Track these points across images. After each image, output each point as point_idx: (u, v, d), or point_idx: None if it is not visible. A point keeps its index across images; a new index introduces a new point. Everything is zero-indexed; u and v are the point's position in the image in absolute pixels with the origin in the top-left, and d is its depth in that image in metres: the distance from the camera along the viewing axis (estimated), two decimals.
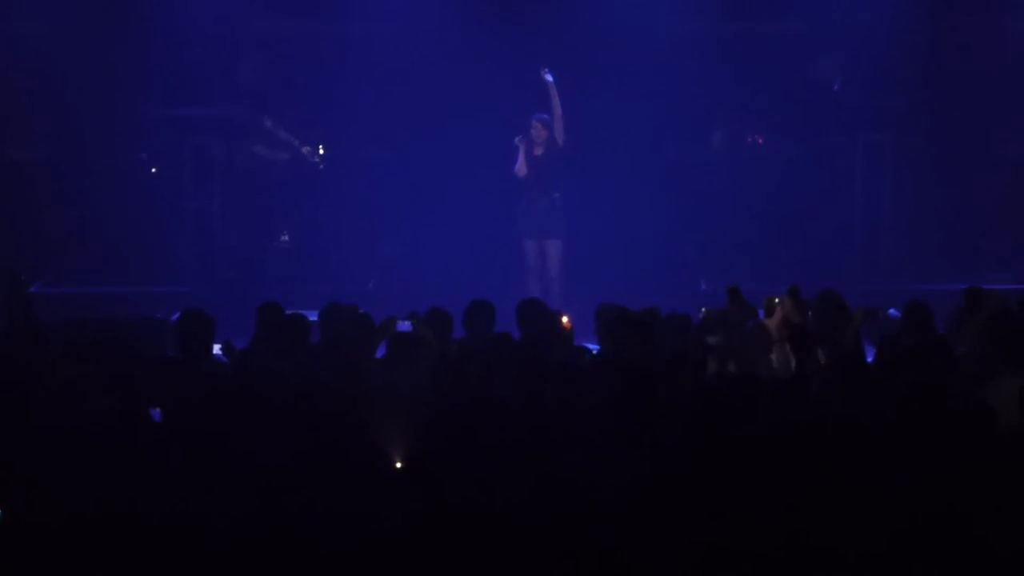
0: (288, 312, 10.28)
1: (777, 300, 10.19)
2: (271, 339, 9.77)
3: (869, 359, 9.66)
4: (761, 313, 10.54)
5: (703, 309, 11.18)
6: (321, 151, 16.69)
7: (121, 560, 6.18)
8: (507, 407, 7.74)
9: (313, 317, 10.29)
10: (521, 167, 15.10)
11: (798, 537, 6.11)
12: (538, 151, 15.09)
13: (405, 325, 10.05)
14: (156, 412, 8.19)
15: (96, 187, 16.27)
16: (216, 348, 9.87)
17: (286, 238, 16.67)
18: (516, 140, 15.13)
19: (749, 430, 7.43)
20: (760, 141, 16.87)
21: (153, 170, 16.61)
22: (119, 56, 16.18)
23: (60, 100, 16.31)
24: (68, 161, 16.51)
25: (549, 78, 15.03)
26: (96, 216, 16.16)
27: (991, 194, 16.51)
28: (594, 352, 9.97)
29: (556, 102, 15.04)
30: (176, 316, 11.90)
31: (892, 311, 11.42)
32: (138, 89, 16.26)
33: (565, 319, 10.62)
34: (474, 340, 9.93)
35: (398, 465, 7.21)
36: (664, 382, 8.74)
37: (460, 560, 6.05)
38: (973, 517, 6.23)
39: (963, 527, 6.17)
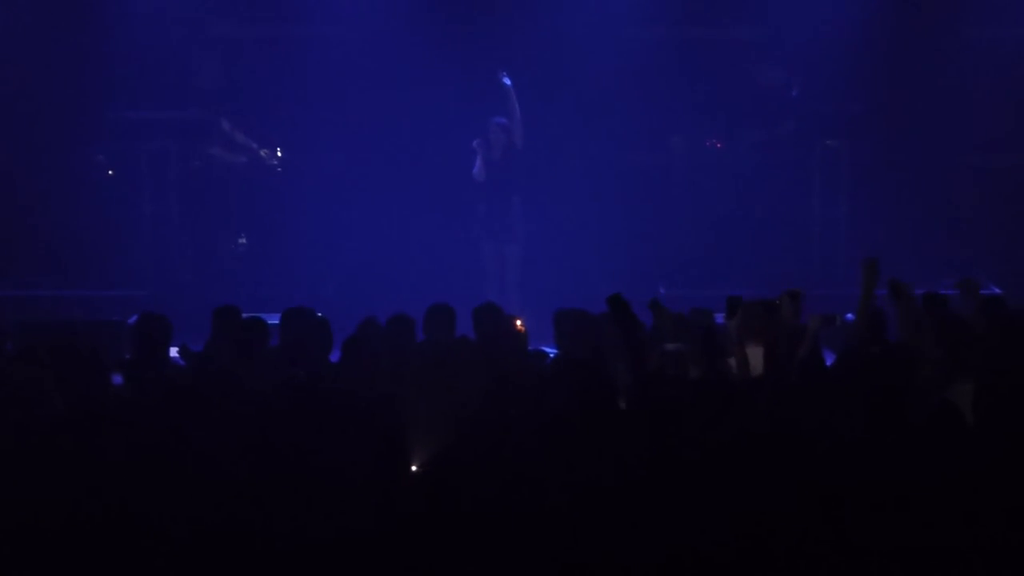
0: (246, 315, 10.24)
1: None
2: (228, 342, 9.72)
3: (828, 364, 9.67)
4: (719, 316, 10.54)
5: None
6: (279, 154, 16.64)
7: (73, 562, 6.13)
8: (468, 410, 7.73)
9: (271, 320, 10.24)
10: (479, 171, 15.08)
11: (760, 543, 6.10)
12: (496, 155, 15.08)
13: None
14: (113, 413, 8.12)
15: (52, 189, 16.19)
16: (173, 351, 9.83)
17: (243, 241, 16.62)
18: (474, 144, 15.11)
19: (711, 434, 7.45)
20: (719, 145, 16.91)
21: (110, 172, 16.53)
22: (77, 59, 16.13)
23: (16, 102, 16.22)
24: (24, 163, 16.41)
25: (507, 82, 15.02)
26: (52, 219, 16.08)
27: (948, 200, 16.59)
28: (551, 356, 9.96)
29: (514, 106, 15.03)
30: (133, 319, 11.83)
31: (849, 316, 11.45)
32: (96, 91, 16.20)
33: (519, 323, 10.63)
34: (434, 344, 9.91)
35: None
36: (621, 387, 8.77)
37: (419, 564, 6.02)
38: (940, 520, 6.26)
39: (929, 532, 6.19)
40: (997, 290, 14.97)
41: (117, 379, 8.97)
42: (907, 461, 6.83)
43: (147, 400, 8.02)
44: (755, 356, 9.54)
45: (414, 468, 7.21)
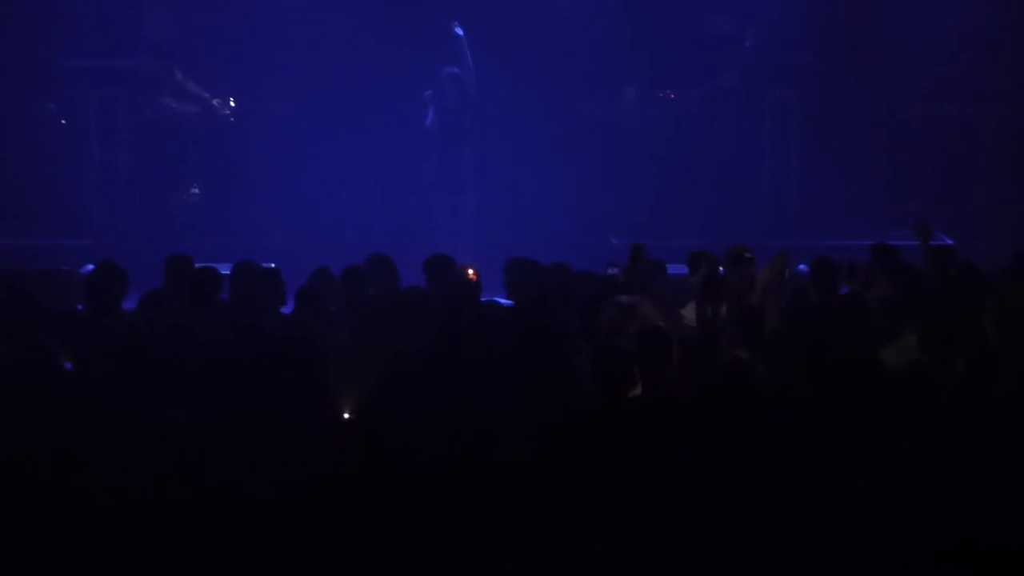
0: (198, 265, 10.22)
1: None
2: (180, 291, 9.70)
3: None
4: (675, 269, 10.61)
5: (611, 266, 11.24)
6: (231, 103, 16.56)
7: (27, 510, 6.13)
8: (422, 358, 7.76)
9: (224, 271, 10.22)
10: (432, 122, 15.07)
11: (702, 495, 6.15)
12: (448, 105, 15.07)
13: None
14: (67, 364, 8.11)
15: (2, 139, 16.07)
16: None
17: (196, 191, 16.55)
18: (426, 94, 15.10)
19: (659, 386, 7.51)
20: (671, 96, 16.92)
21: (63, 122, 16.42)
22: (25, 6, 15.98)
23: None
24: None
25: (459, 32, 15.01)
26: (2, 168, 15.97)
27: (897, 151, 16.66)
28: (503, 305, 9.99)
29: (466, 56, 15.01)
30: (86, 268, 11.78)
31: (802, 267, 11.52)
32: (46, 40, 16.06)
33: (471, 271, 10.64)
34: (385, 294, 9.93)
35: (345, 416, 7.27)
36: (574, 338, 8.82)
37: (380, 511, 6.05)
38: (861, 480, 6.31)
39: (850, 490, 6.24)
40: (948, 240, 15.06)
41: (69, 329, 8.94)
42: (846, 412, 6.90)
43: (98, 350, 8.01)
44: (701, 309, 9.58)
45: (346, 415, 7.28)
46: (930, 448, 6.53)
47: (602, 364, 7.36)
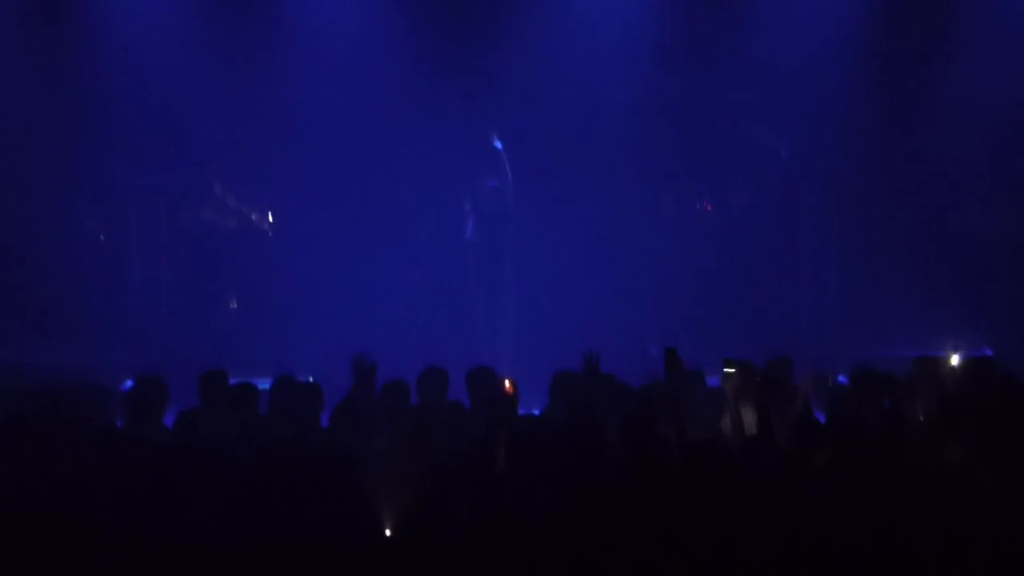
0: (235, 380, 10.21)
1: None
2: (218, 408, 9.69)
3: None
4: (711, 379, 10.54)
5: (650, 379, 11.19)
6: (270, 218, 16.63)
7: None
8: (464, 472, 7.73)
9: (262, 385, 10.21)
10: (472, 233, 15.14)
11: None
12: (488, 217, 15.14)
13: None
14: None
15: (42, 254, 16.15)
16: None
17: (234, 305, 16.57)
18: (466, 206, 15.18)
19: (705, 494, 7.43)
20: (709, 207, 16.93)
21: (102, 237, 16.50)
22: (69, 122, 16.11)
23: (5, 165, 16.21)
24: (12, 227, 16.37)
25: (499, 146, 15.10)
26: (42, 283, 16.03)
27: (938, 261, 16.60)
28: (537, 417, 9.97)
29: (506, 168, 15.09)
30: (126, 384, 11.78)
31: (841, 378, 11.45)
32: (85, 154, 16.18)
33: (508, 384, 10.62)
34: (427, 407, 9.91)
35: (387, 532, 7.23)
36: (612, 447, 8.76)
37: None
38: None
39: None
40: (988, 352, 14.96)
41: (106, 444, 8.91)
42: (896, 523, 6.83)
43: (136, 466, 7.98)
44: (750, 417, 9.55)
45: (388, 532, 7.23)
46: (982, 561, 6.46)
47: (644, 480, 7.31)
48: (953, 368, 10.85)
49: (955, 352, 11.12)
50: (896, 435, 8.75)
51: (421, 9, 16.18)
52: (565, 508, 7.24)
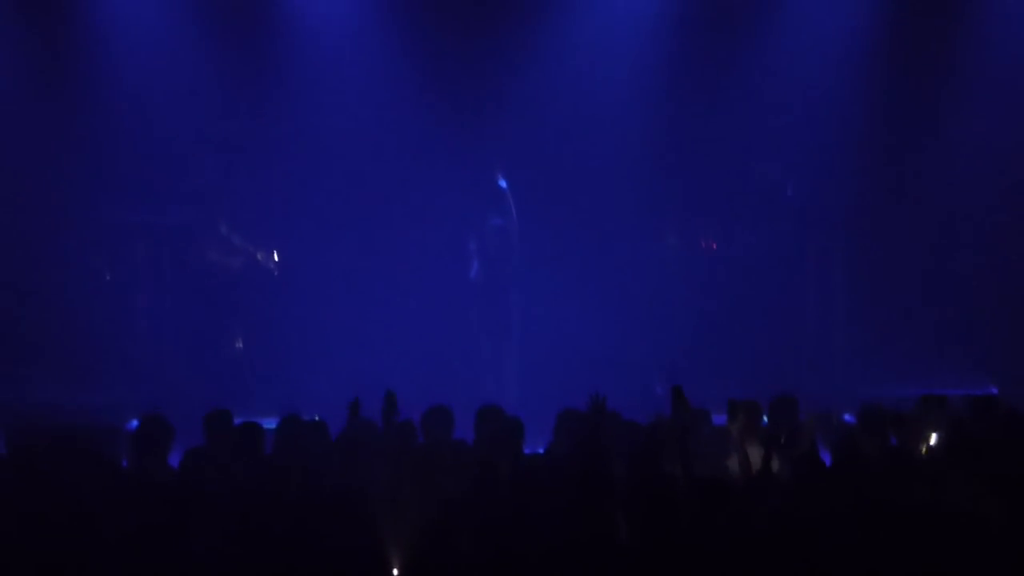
0: (241, 420, 10.22)
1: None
2: (223, 448, 9.69)
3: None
4: (717, 418, 10.55)
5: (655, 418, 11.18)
6: (275, 257, 16.64)
7: None
8: (469, 510, 7.72)
9: (267, 424, 10.21)
10: (477, 273, 15.16)
11: None
12: (493, 255, 15.16)
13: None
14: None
15: (49, 291, 16.16)
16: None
17: (240, 344, 16.57)
18: (471, 245, 15.20)
19: (709, 533, 7.43)
20: (714, 245, 16.94)
21: (107, 277, 16.52)
22: (74, 160, 16.16)
23: (11, 206, 16.25)
24: (19, 266, 16.40)
25: (503, 183, 15.12)
26: (48, 322, 16.04)
27: (943, 299, 16.60)
28: (542, 455, 9.98)
29: (510, 207, 15.12)
30: (132, 423, 11.79)
31: (846, 416, 11.45)
32: (91, 194, 16.21)
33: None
34: (433, 446, 9.92)
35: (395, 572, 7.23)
36: (619, 485, 8.75)
37: None
38: None
39: None
40: (993, 390, 14.96)
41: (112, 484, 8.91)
42: (901, 561, 6.83)
43: (143, 505, 7.98)
44: (756, 457, 9.56)
45: (395, 572, 7.23)
46: None
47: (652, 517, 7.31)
48: (958, 406, 10.85)
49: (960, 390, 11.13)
50: (902, 473, 8.75)
51: (425, 44, 16.22)
52: (571, 546, 7.24)
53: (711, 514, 7.59)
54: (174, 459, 9.85)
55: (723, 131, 16.61)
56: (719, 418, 11.04)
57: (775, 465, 9.26)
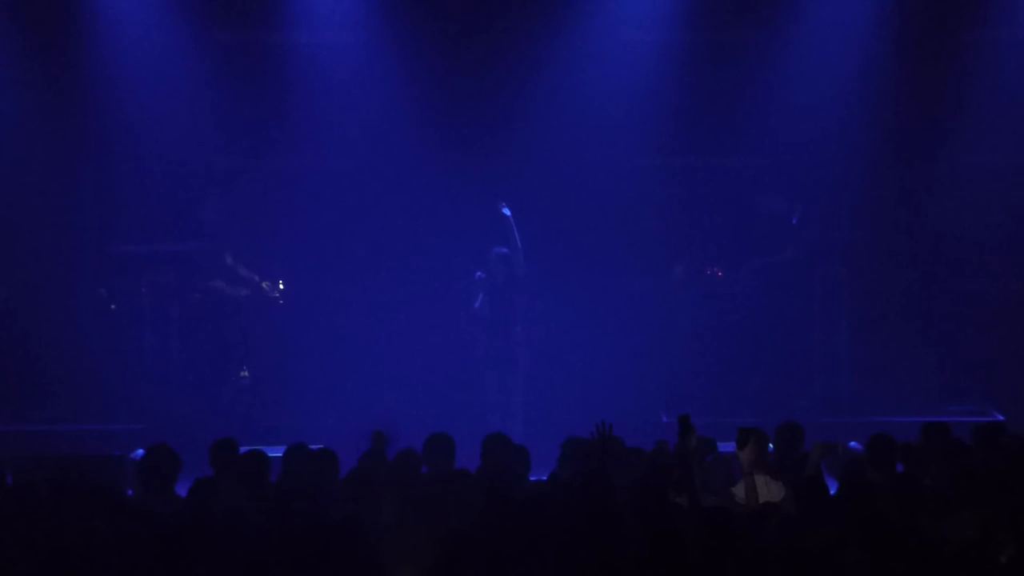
0: (247, 449, 10.21)
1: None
2: (228, 477, 9.68)
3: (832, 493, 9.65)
4: (723, 446, 10.54)
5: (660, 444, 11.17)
6: (281, 286, 16.65)
7: None
8: (473, 540, 7.71)
9: (273, 453, 10.21)
10: (482, 305, 15.17)
11: None
12: (498, 285, 15.16)
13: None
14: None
15: (54, 324, 16.18)
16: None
17: (246, 374, 16.56)
18: (477, 276, 15.22)
19: (716, 563, 7.41)
20: (720, 274, 16.94)
21: (112, 307, 16.52)
22: (79, 193, 16.21)
23: (17, 237, 16.29)
24: (25, 297, 16.42)
25: (507, 212, 15.14)
26: (53, 353, 16.06)
27: (949, 327, 16.59)
28: (545, 483, 9.96)
29: (515, 236, 15.13)
30: (136, 454, 11.78)
31: (853, 444, 11.44)
32: (97, 226, 16.25)
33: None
34: (437, 476, 9.90)
35: None
36: (624, 514, 8.74)
37: None
38: None
39: None
40: (1000, 417, 14.94)
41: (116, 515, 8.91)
42: None
43: (149, 536, 7.97)
44: (763, 485, 9.54)
45: None
46: None
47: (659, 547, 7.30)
48: (964, 434, 10.84)
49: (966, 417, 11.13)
50: (909, 501, 8.73)
51: (433, 79, 16.29)
52: (576, 575, 7.23)
53: (718, 543, 7.57)
54: (181, 488, 9.84)
55: (730, 162, 16.67)
56: (725, 447, 11.05)
57: (781, 494, 9.26)
